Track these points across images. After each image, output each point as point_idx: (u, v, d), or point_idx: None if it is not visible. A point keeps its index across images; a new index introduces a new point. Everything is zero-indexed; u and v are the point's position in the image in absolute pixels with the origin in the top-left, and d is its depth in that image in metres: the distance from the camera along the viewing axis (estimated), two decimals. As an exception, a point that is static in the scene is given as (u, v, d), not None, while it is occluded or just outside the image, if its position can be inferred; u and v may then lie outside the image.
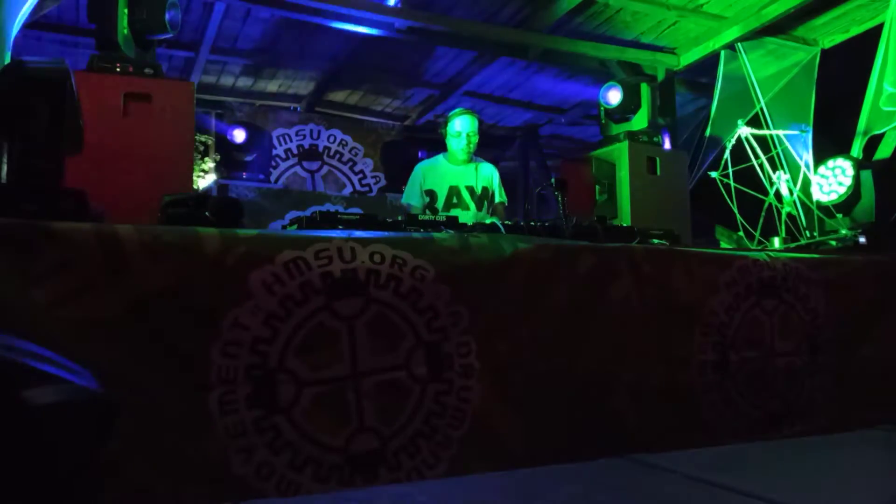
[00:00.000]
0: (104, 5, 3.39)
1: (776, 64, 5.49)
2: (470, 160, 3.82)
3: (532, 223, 2.57)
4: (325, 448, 1.85)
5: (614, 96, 4.93)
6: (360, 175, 6.64)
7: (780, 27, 5.27)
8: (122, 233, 1.74)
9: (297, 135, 6.48)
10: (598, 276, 2.31)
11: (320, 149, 6.53)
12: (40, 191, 1.82)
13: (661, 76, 5.84)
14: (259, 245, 1.88)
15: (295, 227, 2.27)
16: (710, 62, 5.69)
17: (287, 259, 1.88)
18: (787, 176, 4.08)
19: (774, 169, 4.12)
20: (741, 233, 4.21)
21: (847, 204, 3.57)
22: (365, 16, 4.84)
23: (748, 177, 4.22)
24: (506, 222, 2.64)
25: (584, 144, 7.08)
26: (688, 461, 2.11)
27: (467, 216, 3.64)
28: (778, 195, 3.97)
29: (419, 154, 6.36)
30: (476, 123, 3.78)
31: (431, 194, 3.73)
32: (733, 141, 4.32)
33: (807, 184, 3.93)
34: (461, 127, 3.74)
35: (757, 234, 3.99)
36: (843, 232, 3.39)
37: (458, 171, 3.80)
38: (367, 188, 6.59)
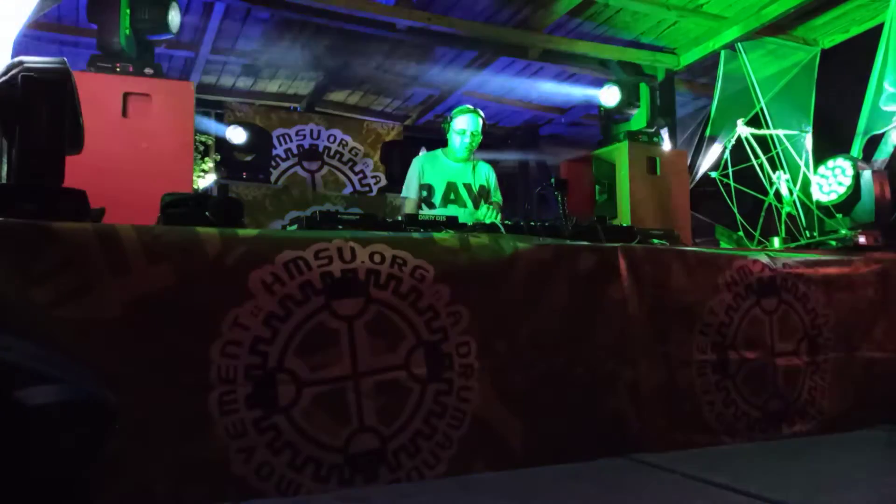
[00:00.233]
0: (106, 6, 3.39)
1: (776, 64, 5.49)
2: (469, 158, 3.82)
3: (532, 223, 2.57)
4: (325, 448, 1.85)
5: (612, 96, 4.93)
6: (360, 175, 6.63)
7: (780, 27, 5.27)
8: (122, 233, 1.75)
9: (297, 135, 6.48)
10: (598, 277, 2.31)
11: (320, 149, 6.52)
12: (40, 191, 1.82)
13: (661, 76, 5.84)
14: (259, 245, 1.88)
15: (295, 227, 2.28)
16: (710, 62, 5.69)
17: (287, 259, 1.88)
18: (787, 176, 4.07)
19: (774, 169, 4.12)
20: (741, 233, 4.20)
21: (847, 204, 3.56)
22: (365, 16, 4.84)
23: (748, 177, 4.22)
24: (506, 222, 2.64)
25: (584, 144, 7.08)
26: (688, 461, 2.11)
27: (464, 213, 3.64)
28: (778, 195, 3.97)
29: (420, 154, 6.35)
30: (480, 123, 3.77)
31: (429, 188, 3.71)
32: (733, 141, 4.31)
33: (806, 184, 3.93)
34: (467, 125, 3.73)
35: (757, 234, 3.99)
36: (843, 232, 3.38)
37: (456, 167, 3.80)
38: (367, 188, 6.59)
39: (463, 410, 2.02)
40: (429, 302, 2.02)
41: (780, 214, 3.92)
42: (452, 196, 3.74)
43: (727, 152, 4.27)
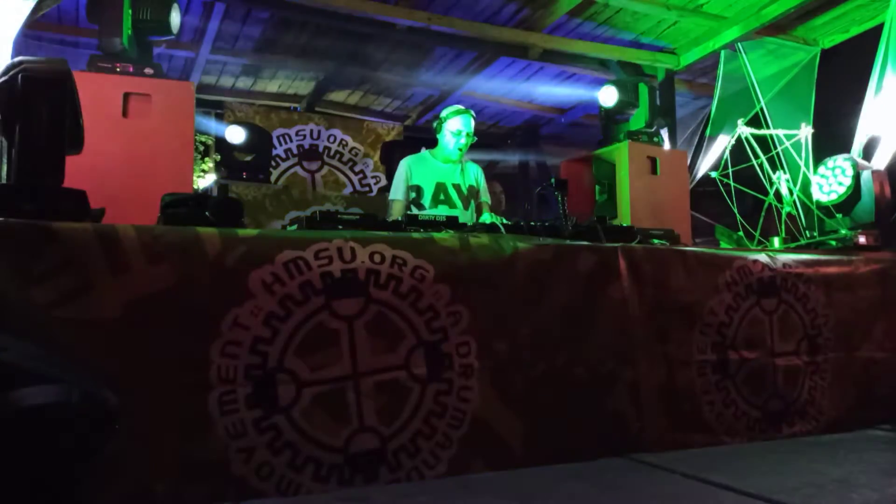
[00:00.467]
0: (107, 6, 3.39)
1: (776, 64, 5.49)
2: (460, 160, 3.76)
3: (532, 223, 2.57)
4: (325, 448, 1.85)
5: (611, 96, 4.93)
6: (360, 175, 6.63)
7: (780, 27, 5.27)
8: (122, 233, 1.75)
9: (297, 135, 6.47)
10: (598, 277, 2.31)
11: (320, 149, 6.51)
12: (40, 191, 1.82)
13: (661, 76, 5.84)
14: (259, 245, 1.88)
15: (295, 227, 2.27)
16: (710, 62, 5.69)
17: (287, 259, 1.88)
18: (787, 176, 4.07)
19: (774, 169, 4.12)
20: (741, 233, 4.20)
21: (847, 204, 3.56)
22: (365, 16, 4.84)
23: (748, 177, 4.22)
24: (505, 222, 2.64)
25: (584, 144, 7.07)
26: (688, 461, 2.11)
27: (454, 214, 3.60)
28: (778, 195, 3.97)
29: (419, 154, 6.34)
30: (473, 123, 3.73)
31: (417, 190, 3.64)
32: (733, 141, 4.31)
33: (806, 184, 3.92)
34: (462, 126, 3.67)
35: (757, 234, 3.99)
36: (843, 232, 3.38)
37: (445, 168, 3.74)
38: (367, 188, 6.58)
39: (463, 410, 2.03)
40: (429, 302, 2.02)
41: (780, 214, 3.92)
42: (442, 197, 3.67)
43: (727, 152, 4.27)
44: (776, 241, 3.53)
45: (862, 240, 3.20)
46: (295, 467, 1.81)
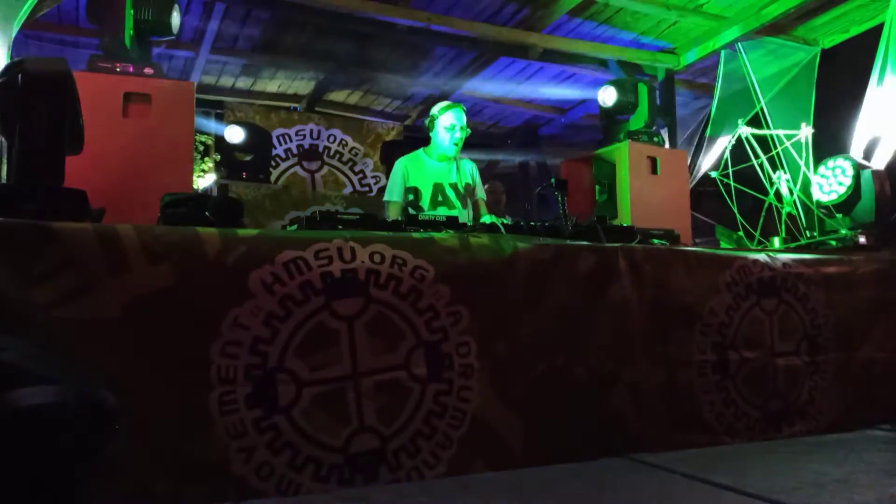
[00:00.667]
0: (107, 6, 3.39)
1: (776, 64, 5.49)
2: (455, 156, 3.73)
3: (532, 223, 2.57)
4: (325, 448, 1.85)
5: (610, 96, 4.92)
6: (360, 175, 6.63)
7: (780, 27, 5.27)
8: (122, 233, 1.75)
9: (297, 135, 6.47)
10: (598, 277, 2.31)
11: (320, 149, 6.52)
12: (40, 191, 1.82)
13: (661, 76, 5.84)
14: (259, 245, 1.88)
15: (295, 227, 2.27)
16: (710, 62, 5.69)
17: (287, 259, 1.88)
18: (787, 176, 4.07)
19: (774, 169, 4.12)
20: (741, 233, 4.20)
21: (847, 204, 3.56)
22: (365, 16, 4.84)
23: (748, 177, 4.22)
24: (505, 222, 2.63)
25: (584, 144, 7.07)
26: (688, 461, 2.11)
27: (454, 215, 3.56)
28: (778, 195, 3.97)
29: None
30: (465, 116, 3.70)
31: (415, 191, 3.59)
32: (733, 141, 4.31)
33: (807, 184, 3.92)
34: (455, 120, 3.63)
35: (757, 235, 3.99)
36: (843, 232, 3.39)
37: (440, 168, 3.70)
38: (367, 188, 6.58)
39: (463, 410, 2.03)
40: (429, 302, 2.02)
41: (780, 214, 3.92)
42: (440, 198, 3.64)
43: (727, 152, 4.27)
44: (776, 241, 3.53)
45: (862, 240, 3.20)
46: (295, 467, 1.81)
